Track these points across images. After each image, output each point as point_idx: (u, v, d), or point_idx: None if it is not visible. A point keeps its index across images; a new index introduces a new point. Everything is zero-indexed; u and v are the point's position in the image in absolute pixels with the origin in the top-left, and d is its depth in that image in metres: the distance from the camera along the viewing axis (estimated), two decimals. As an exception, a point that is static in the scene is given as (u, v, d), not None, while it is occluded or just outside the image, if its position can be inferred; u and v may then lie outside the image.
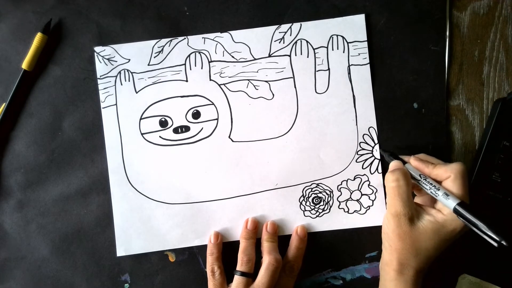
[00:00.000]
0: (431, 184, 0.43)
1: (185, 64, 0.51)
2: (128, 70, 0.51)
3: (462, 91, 0.52)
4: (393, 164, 0.46)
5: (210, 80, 0.51)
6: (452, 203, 0.41)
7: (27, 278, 0.51)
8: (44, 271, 0.51)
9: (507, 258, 0.49)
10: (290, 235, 0.51)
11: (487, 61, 0.52)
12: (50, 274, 0.51)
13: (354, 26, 0.51)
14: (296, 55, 0.51)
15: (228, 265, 0.49)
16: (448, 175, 0.42)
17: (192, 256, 0.51)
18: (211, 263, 0.49)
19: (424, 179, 0.44)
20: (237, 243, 0.50)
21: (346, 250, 0.51)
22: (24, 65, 0.50)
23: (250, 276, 0.47)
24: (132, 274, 0.51)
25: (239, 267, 0.48)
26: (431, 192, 0.43)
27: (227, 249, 0.50)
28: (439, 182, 0.43)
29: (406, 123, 0.51)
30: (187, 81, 0.51)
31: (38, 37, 0.50)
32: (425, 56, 0.51)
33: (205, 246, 0.50)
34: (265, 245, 0.49)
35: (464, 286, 0.50)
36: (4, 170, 0.51)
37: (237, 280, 0.47)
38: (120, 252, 0.51)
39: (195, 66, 0.51)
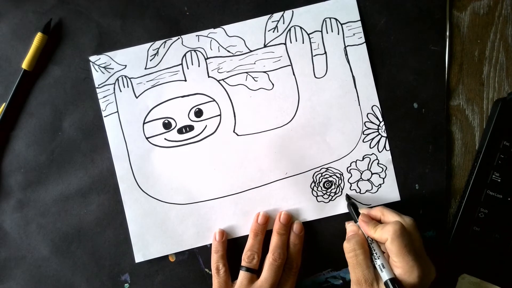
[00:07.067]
0: (375, 251, 0.42)
1: (181, 64, 0.51)
2: (125, 76, 0.51)
3: (462, 91, 0.52)
4: (349, 229, 0.46)
5: (209, 77, 0.51)
6: (385, 276, 0.40)
7: (27, 278, 0.51)
8: (44, 271, 0.51)
9: (507, 258, 0.49)
10: (306, 222, 0.50)
11: (487, 61, 0.52)
12: (50, 274, 0.51)
13: (346, 6, 0.51)
14: (291, 42, 0.51)
15: (234, 262, 0.49)
16: (386, 238, 0.41)
17: (192, 256, 0.51)
18: (216, 261, 0.49)
19: (371, 243, 0.43)
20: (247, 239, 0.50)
21: (346, 250, 0.51)
22: (24, 65, 0.50)
23: (255, 272, 0.47)
24: (132, 274, 0.51)
25: (244, 262, 0.48)
26: (374, 259, 0.42)
27: (238, 244, 0.50)
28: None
29: (406, 123, 0.51)
30: (185, 80, 0.51)
31: (38, 37, 0.50)
32: (425, 56, 0.51)
33: (205, 246, 0.50)
34: (275, 238, 0.48)
35: (464, 286, 0.50)
36: (4, 170, 0.51)
37: (242, 275, 0.47)
38: (139, 258, 0.50)
39: (192, 64, 0.51)
